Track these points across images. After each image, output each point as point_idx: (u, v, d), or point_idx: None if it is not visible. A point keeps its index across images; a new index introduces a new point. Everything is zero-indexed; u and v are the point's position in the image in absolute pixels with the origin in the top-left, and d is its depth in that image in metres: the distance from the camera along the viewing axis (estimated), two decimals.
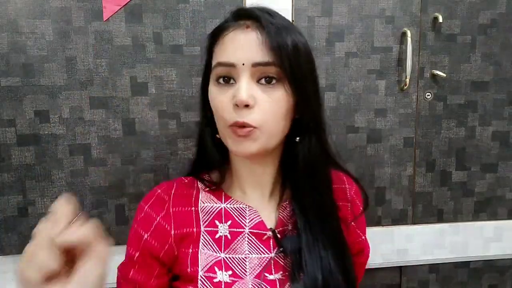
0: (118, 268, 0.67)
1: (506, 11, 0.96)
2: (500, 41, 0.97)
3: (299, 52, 0.60)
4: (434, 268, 1.04)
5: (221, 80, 0.61)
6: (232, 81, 0.60)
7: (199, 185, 0.70)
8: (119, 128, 0.85)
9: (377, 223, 0.99)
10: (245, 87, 0.58)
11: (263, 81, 0.60)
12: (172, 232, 0.64)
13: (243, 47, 0.59)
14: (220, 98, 0.60)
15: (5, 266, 0.85)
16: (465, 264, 1.06)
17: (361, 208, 0.74)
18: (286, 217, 0.68)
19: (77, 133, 0.84)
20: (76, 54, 0.81)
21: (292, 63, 0.59)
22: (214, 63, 0.62)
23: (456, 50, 0.96)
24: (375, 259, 0.99)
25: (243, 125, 0.58)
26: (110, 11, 0.81)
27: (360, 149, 0.96)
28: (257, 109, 0.59)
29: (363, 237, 0.75)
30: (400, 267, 1.03)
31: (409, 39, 0.91)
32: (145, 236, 0.64)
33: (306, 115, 0.63)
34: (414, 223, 1.01)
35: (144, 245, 0.64)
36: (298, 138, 0.65)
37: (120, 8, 0.82)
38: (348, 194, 0.73)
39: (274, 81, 0.60)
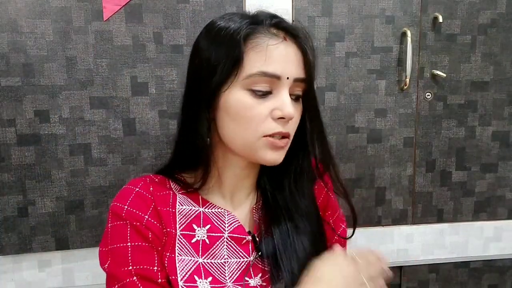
0: (110, 272, 0.61)
1: (506, 11, 0.96)
2: (500, 41, 0.97)
3: (314, 69, 0.65)
4: (434, 268, 1.04)
5: (258, 91, 0.60)
6: (268, 92, 0.61)
7: (172, 186, 0.67)
8: (119, 128, 0.85)
9: (377, 223, 0.99)
10: (289, 102, 0.60)
11: (292, 96, 0.62)
12: (164, 230, 0.62)
13: (289, 61, 0.60)
14: (257, 110, 0.60)
15: (5, 266, 0.85)
16: (465, 264, 1.06)
17: (325, 188, 0.75)
18: (261, 218, 0.68)
19: (77, 133, 0.84)
20: (76, 54, 0.81)
21: (313, 80, 0.63)
22: (253, 70, 0.58)
23: (456, 50, 0.96)
24: None
25: (285, 136, 0.61)
26: (110, 11, 0.81)
27: (360, 149, 0.96)
28: (291, 121, 0.62)
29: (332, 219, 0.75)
30: (400, 267, 1.03)
31: (409, 39, 0.91)
32: (149, 233, 0.61)
33: (316, 128, 0.66)
34: (414, 223, 1.01)
35: (147, 237, 0.60)
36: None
37: (120, 8, 0.82)
38: (324, 181, 0.74)
39: (299, 97, 0.63)
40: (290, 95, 0.61)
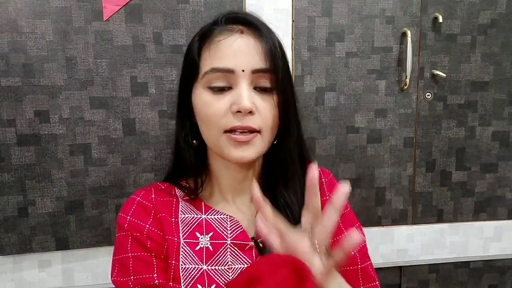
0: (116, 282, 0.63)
1: (506, 11, 0.96)
2: (500, 41, 0.97)
3: (286, 58, 0.63)
4: (434, 268, 1.04)
5: (215, 88, 0.60)
6: (226, 88, 0.60)
7: (177, 193, 0.68)
8: (119, 128, 0.85)
9: (377, 223, 0.99)
10: (247, 94, 0.58)
11: (258, 88, 0.60)
12: (166, 236, 0.63)
13: (242, 53, 0.59)
14: (215, 106, 0.59)
15: (5, 266, 0.85)
16: (465, 264, 1.06)
17: None
18: None
19: (77, 133, 0.84)
20: (76, 54, 0.81)
21: (282, 70, 0.60)
22: (206, 68, 0.60)
23: (456, 50, 0.96)
24: (375, 259, 0.99)
25: (246, 130, 0.58)
26: (110, 11, 0.81)
27: (360, 149, 0.96)
28: (257, 115, 0.59)
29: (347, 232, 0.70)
30: (400, 267, 1.03)
31: (409, 39, 0.91)
32: (148, 242, 0.62)
33: (288, 122, 0.63)
34: (414, 223, 1.01)
35: (146, 246, 0.62)
36: (276, 141, 0.65)
37: (120, 8, 0.82)
38: (325, 188, 0.71)
39: (268, 89, 0.61)
40: (256, 88, 0.60)
